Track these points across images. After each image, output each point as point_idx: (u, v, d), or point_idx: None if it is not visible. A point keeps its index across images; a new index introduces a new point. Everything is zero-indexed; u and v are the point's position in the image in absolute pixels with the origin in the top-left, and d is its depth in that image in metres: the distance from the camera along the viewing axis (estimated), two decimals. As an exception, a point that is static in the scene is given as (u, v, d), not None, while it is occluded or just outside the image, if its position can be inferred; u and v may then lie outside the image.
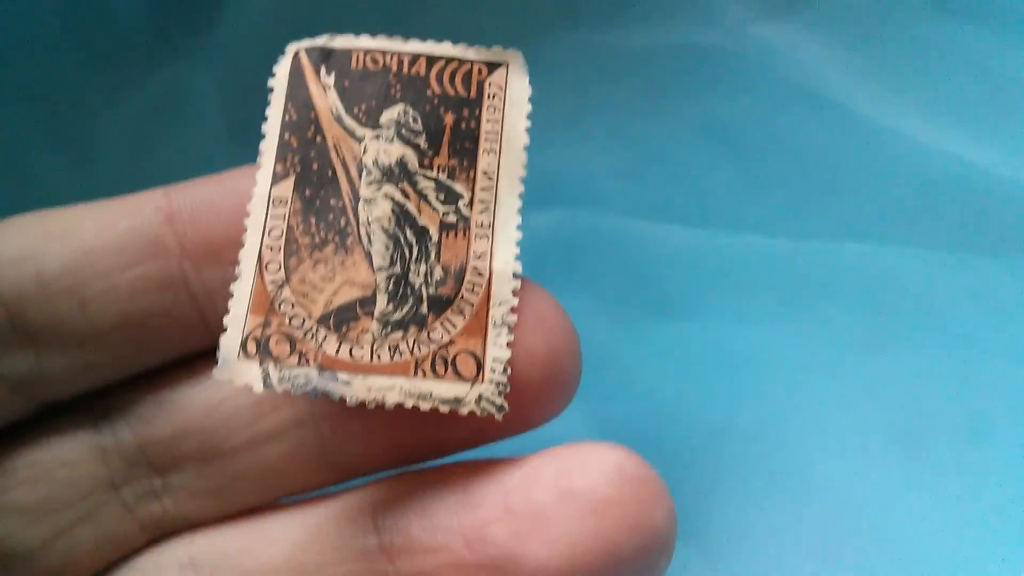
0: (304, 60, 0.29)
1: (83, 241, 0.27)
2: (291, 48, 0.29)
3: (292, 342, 0.26)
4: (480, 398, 0.26)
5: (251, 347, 0.26)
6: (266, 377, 0.25)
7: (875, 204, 0.45)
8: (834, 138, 0.46)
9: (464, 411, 0.26)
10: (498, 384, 0.26)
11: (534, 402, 0.27)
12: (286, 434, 0.29)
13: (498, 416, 0.26)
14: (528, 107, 0.29)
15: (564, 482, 0.26)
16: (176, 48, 0.44)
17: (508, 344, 0.26)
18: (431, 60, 0.29)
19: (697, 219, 0.46)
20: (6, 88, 0.41)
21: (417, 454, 0.29)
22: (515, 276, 0.27)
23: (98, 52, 0.43)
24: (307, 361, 0.26)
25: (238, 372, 0.25)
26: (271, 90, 0.29)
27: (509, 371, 0.26)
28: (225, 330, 0.26)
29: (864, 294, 0.43)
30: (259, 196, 0.27)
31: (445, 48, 0.29)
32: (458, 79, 0.29)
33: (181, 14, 0.44)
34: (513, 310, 0.27)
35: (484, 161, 0.28)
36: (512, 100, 0.29)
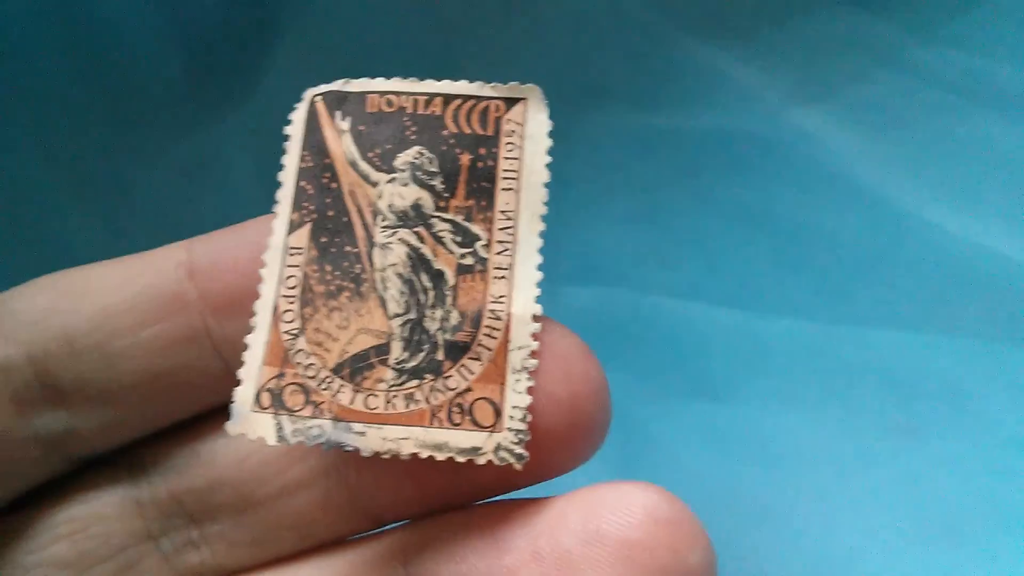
0: (320, 106, 0.29)
1: (106, 299, 0.28)
2: (307, 94, 0.29)
3: (306, 392, 0.25)
4: (498, 447, 0.25)
5: (265, 399, 0.25)
6: (279, 429, 0.25)
7: (906, 291, 0.45)
8: (865, 225, 0.46)
9: (481, 461, 0.25)
10: (517, 432, 0.25)
11: (557, 449, 0.26)
12: (315, 483, 0.28)
13: (517, 465, 0.25)
14: (548, 142, 0.28)
15: (592, 525, 0.25)
16: (209, 113, 0.46)
17: (528, 390, 0.25)
18: (447, 99, 0.29)
19: (733, 301, 0.46)
20: (39, 150, 0.42)
21: (444, 500, 0.28)
22: (535, 319, 0.26)
23: (131, 116, 0.45)
24: (321, 412, 0.25)
25: (251, 425, 0.25)
26: (287, 137, 0.29)
27: (529, 418, 0.25)
28: (239, 383, 0.26)
29: (898, 380, 0.43)
30: (275, 246, 0.27)
31: (461, 87, 0.29)
32: (474, 117, 0.28)
33: (214, 79, 0.46)
34: (533, 354, 0.26)
35: (502, 200, 0.27)
36: (531, 136, 0.28)
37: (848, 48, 0.48)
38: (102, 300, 0.28)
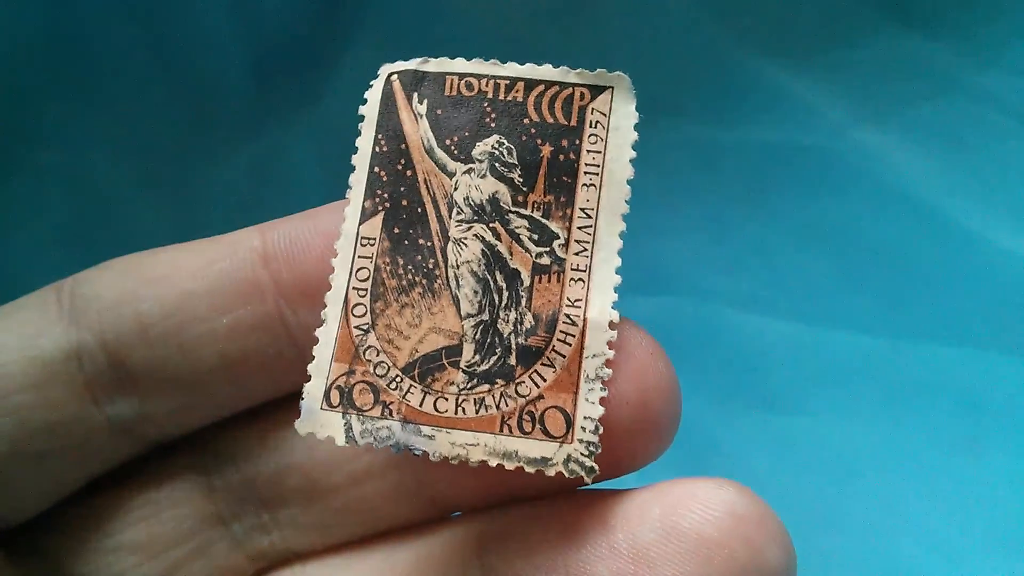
0: (396, 85, 0.28)
1: (180, 284, 0.27)
2: (384, 70, 0.28)
3: (376, 392, 0.25)
4: (568, 459, 0.24)
5: (335, 397, 0.25)
6: (348, 429, 0.25)
7: (968, 308, 0.46)
8: (928, 242, 0.47)
9: (551, 472, 0.24)
10: (588, 444, 0.24)
11: (626, 449, 0.26)
12: (384, 473, 0.28)
13: (588, 479, 0.24)
14: (634, 135, 0.26)
15: (669, 521, 0.24)
16: (279, 113, 0.46)
17: (601, 400, 0.24)
18: (530, 84, 0.27)
19: (796, 314, 0.47)
20: (112, 149, 0.43)
21: (513, 493, 0.28)
22: (611, 326, 0.25)
23: (201, 116, 0.45)
24: (390, 413, 0.25)
25: (321, 424, 0.25)
26: (362, 118, 0.28)
27: (601, 430, 0.24)
28: (309, 378, 0.25)
29: (961, 396, 0.44)
30: (347, 234, 0.26)
31: (545, 71, 0.27)
32: (558, 105, 0.27)
33: (283, 81, 0.46)
34: (608, 363, 0.25)
35: (583, 196, 0.26)
36: (616, 128, 0.26)
37: (910, 70, 0.49)
38: (176, 286, 0.27)
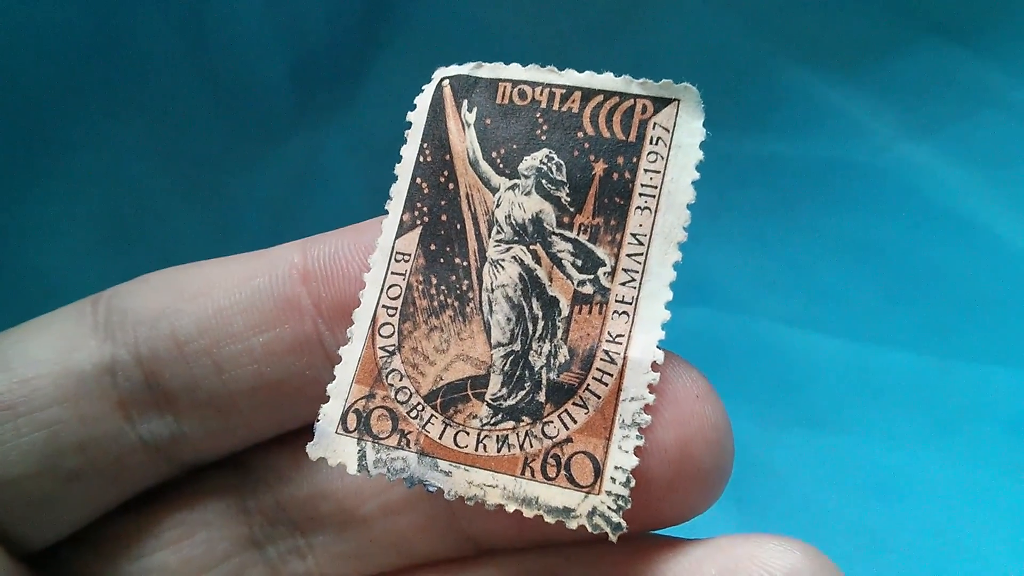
0: (447, 91, 0.26)
1: (217, 301, 0.26)
2: (437, 74, 0.26)
3: (395, 419, 0.23)
4: (594, 512, 0.22)
5: (351, 421, 0.24)
6: (362, 458, 0.23)
7: (1018, 328, 0.44)
8: (975, 260, 0.46)
9: (572, 525, 0.22)
10: (618, 498, 0.22)
11: (663, 504, 0.23)
12: (416, 505, 0.27)
13: (612, 536, 0.22)
14: (699, 155, 0.24)
15: None
16: (316, 116, 0.46)
17: (636, 450, 0.22)
18: (587, 95, 0.25)
19: (840, 331, 0.46)
20: (152, 153, 0.43)
21: (546, 536, 0.26)
22: (654, 367, 0.22)
23: (240, 120, 0.45)
24: (408, 443, 0.23)
25: (334, 449, 0.23)
26: (409, 124, 0.26)
27: (633, 483, 0.22)
28: (327, 399, 0.24)
29: (1011, 418, 0.42)
30: (382, 248, 0.25)
31: (606, 80, 0.25)
32: (616, 118, 0.24)
33: (320, 87, 0.45)
34: (647, 408, 0.22)
35: (635, 220, 0.23)
36: (679, 145, 0.24)
37: (953, 85, 0.48)
38: (213, 302, 0.26)
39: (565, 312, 0.23)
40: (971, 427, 0.43)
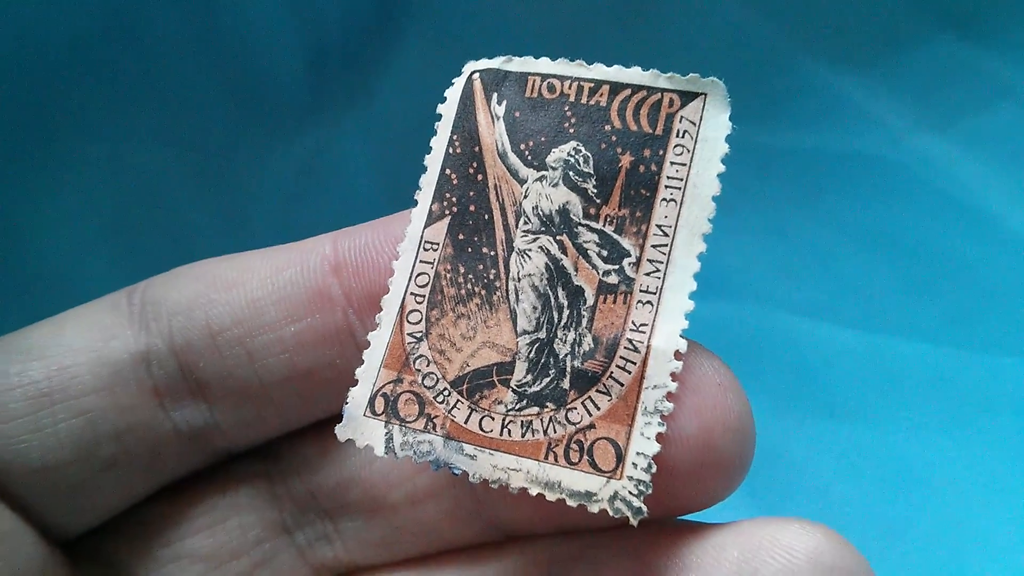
0: (477, 84, 0.26)
1: (250, 292, 0.27)
2: (467, 68, 0.27)
3: (422, 404, 0.24)
4: (615, 496, 0.22)
5: (379, 404, 0.24)
6: (389, 440, 0.24)
7: None
8: (991, 252, 0.47)
9: (594, 509, 0.22)
10: (638, 483, 0.22)
11: (685, 490, 0.23)
12: (443, 492, 0.27)
13: (633, 521, 0.22)
14: (725, 148, 0.24)
15: (748, 567, 0.22)
16: (330, 108, 0.46)
17: (658, 436, 0.22)
18: (615, 88, 0.25)
19: (858, 322, 0.47)
20: (166, 144, 0.44)
21: (570, 521, 0.26)
22: (677, 356, 0.23)
23: (254, 110, 0.46)
24: (434, 427, 0.24)
25: (362, 431, 0.24)
26: (439, 117, 0.27)
27: (654, 469, 0.22)
28: (356, 383, 0.25)
29: None
30: (411, 237, 0.26)
31: (633, 74, 0.25)
32: (643, 112, 0.25)
33: (334, 80, 0.46)
34: (669, 396, 0.22)
35: (661, 212, 0.24)
36: (706, 139, 0.24)
37: (968, 78, 0.49)
38: (246, 293, 0.27)
39: (590, 301, 0.24)
40: (988, 417, 0.44)
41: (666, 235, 0.24)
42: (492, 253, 0.25)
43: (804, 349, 0.47)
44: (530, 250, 0.25)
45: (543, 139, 0.25)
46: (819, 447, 0.44)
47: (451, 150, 0.26)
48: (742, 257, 0.48)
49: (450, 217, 0.25)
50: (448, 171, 0.26)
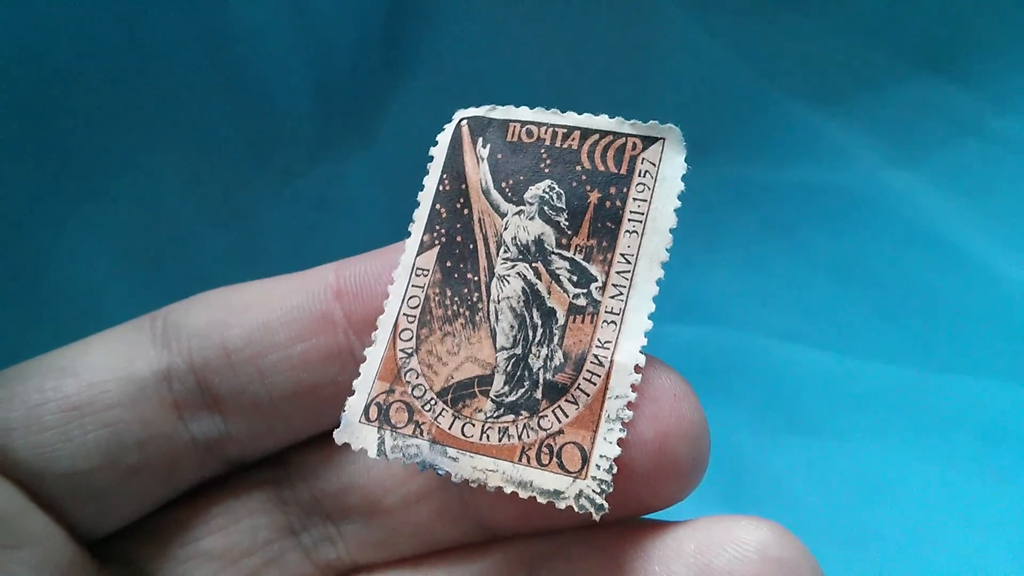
0: (465, 129, 0.30)
1: (261, 315, 0.30)
2: (457, 115, 0.30)
3: (411, 412, 0.27)
4: (580, 494, 0.25)
5: (373, 412, 0.27)
6: (381, 444, 0.27)
7: (992, 342, 0.48)
8: (955, 280, 0.49)
9: (561, 505, 0.25)
10: (601, 483, 0.25)
11: (644, 490, 0.26)
12: (433, 496, 0.30)
13: (596, 516, 0.25)
14: (680, 186, 0.27)
15: (703, 559, 0.25)
16: (337, 148, 0.50)
17: (619, 441, 0.25)
18: (585, 133, 0.28)
19: (831, 345, 0.49)
20: (181, 178, 0.47)
21: (552, 520, 0.29)
22: (636, 370, 0.26)
23: (265, 144, 0.49)
24: (421, 432, 0.27)
25: (357, 435, 0.27)
26: (431, 159, 0.30)
27: (615, 470, 0.25)
28: (353, 393, 0.28)
29: (985, 426, 0.45)
30: (404, 265, 0.29)
31: (601, 121, 0.28)
32: (610, 154, 0.28)
33: (343, 117, 0.50)
34: (630, 405, 0.25)
35: (624, 242, 0.27)
36: (664, 178, 0.27)
37: (937, 115, 0.51)
38: (258, 316, 0.30)
39: (561, 321, 0.27)
40: (949, 434, 0.46)
41: (629, 263, 0.27)
42: (475, 278, 0.28)
43: (778, 370, 0.49)
44: (509, 275, 0.28)
45: (522, 178, 0.29)
46: (791, 460, 0.46)
47: (441, 187, 0.29)
48: (721, 284, 0.51)
49: (439, 246, 0.29)
50: (438, 206, 0.29)
